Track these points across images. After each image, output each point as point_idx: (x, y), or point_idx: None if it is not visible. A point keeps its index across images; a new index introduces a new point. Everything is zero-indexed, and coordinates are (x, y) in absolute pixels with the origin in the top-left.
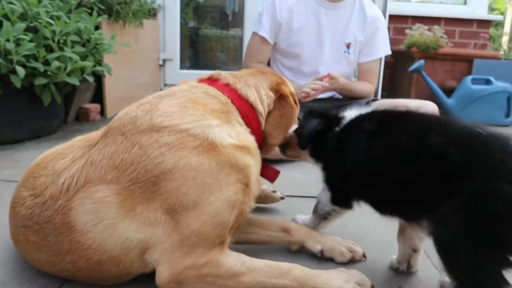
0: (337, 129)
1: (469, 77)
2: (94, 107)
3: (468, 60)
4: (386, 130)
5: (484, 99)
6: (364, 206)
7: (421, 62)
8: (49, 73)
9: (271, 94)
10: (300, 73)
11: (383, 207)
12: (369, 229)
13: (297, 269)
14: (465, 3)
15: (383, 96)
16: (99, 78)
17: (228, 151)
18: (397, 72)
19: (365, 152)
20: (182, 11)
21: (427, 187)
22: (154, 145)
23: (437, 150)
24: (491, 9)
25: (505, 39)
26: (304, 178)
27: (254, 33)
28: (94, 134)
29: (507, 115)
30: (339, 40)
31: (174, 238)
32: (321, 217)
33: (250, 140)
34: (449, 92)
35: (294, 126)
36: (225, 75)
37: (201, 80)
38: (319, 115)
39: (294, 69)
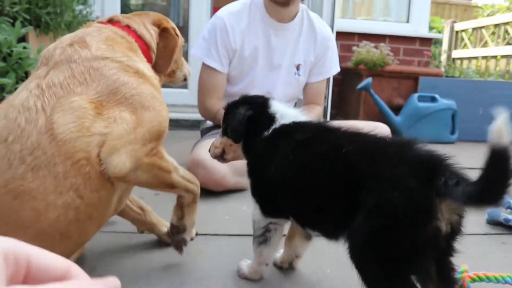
0: (267, 131)
1: (416, 95)
2: None
3: (414, 78)
4: (312, 141)
5: (430, 116)
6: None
7: (369, 79)
8: None
9: (155, 29)
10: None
11: (303, 221)
12: (325, 273)
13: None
14: (407, 21)
15: (332, 114)
16: None
17: (153, 81)
18: (345, 89)
19: (291, 161)
20: None
21: (340, 200)
22: (105, 68)
23: (347, 160)
24: (430, 28)
25: (444, 57)
26: (251, 211)
27: (205, 65)
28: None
29: (452, 132)
30: (289, 62)
31: (138, 131)
32: (260, 241)
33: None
34: (396, 109)
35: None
36: (121, 18)
37: (102, 22)
38: (245, 101)
39: (243, 93)
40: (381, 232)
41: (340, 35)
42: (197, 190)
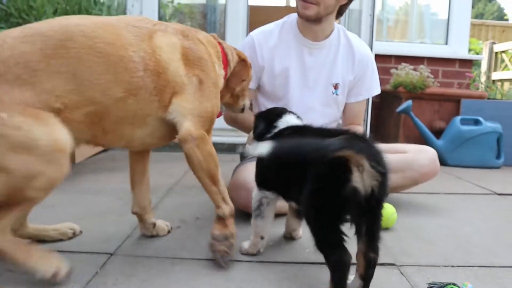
0: (271, 133)
1: (458, 118)
2: None
3: (456, 100)
4: (290, 135)
5: (474, 140)
6: None
7: (409, 102)
8: None
9: (236, 57)
10: None
11: (281, 192)
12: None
13: None
14: (446, 43)
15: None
16: None
17: (220, 78)
18: (383, 113)
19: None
20: None
21: (299, 174)
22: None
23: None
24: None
25: (483, 79)
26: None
27: None
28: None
29: (498, 157)
30: (326, 81)
31: (203, 105)
32: (256, 215)
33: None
34: (437, 133)
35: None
36: (217, 37)
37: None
38: (266, 113)
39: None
40: (315, 194)
41: (377, 58)
42: (233, 206)
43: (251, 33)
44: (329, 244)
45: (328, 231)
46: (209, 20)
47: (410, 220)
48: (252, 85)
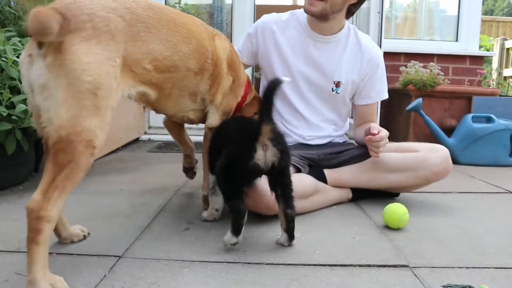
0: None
1: (470, 115)
2: None
3: (467, 98)
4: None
5: (486, 138)
6: None
7: (419, 100)
8: (13, 117)
9: (254, 91)
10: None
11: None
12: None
13: None
14: (456, 39)
15: None
16: None
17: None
18: (393, 111)
19: (212, 139)
20: None
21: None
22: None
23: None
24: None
25: (495, 75)
26: (306, 239)
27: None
28: None
29: (511, 155)
30: (327, 77)
31: (227, 100)
32: (212, 192)
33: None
34: (448, 131)
35: None
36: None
37: None
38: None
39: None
40: (225, 166)
41: (385, 55)
42: None
43: (263, 16)
44: (232, 198)
45: (234, 191)
46: (216, 20)
47: (422, 220)
48: (243, 57)
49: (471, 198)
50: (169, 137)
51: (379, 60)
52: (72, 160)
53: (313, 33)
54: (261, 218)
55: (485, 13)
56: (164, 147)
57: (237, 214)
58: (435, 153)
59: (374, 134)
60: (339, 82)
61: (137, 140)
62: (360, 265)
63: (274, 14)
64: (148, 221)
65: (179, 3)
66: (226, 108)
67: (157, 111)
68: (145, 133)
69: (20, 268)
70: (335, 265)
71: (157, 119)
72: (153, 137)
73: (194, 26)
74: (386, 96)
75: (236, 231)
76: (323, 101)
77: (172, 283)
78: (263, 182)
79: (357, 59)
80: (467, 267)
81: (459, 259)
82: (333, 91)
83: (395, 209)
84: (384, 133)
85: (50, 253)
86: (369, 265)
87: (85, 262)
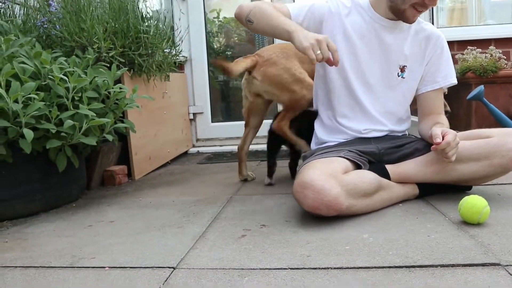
0: None
1: None
2: (120, 169)
3: None
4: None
5: None
6: None
7: (481, 88)
8: (62, 134)
9: None
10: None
11: None
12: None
13: None
14: None
15: None
16: (124, 138)
17: None
18: (451, 103)
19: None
20: (210, 65)
21: None
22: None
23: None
24: None
25: None
26: (374, 239)
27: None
28: None
29: None
30: (393, 62)
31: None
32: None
33: None
34: None
35: None
36: None
37: None
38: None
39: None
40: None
41: None
42: None
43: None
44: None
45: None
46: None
47: (504, 212)
48: (295, 17)
49: None
50: (217, 148)
51: (443, 42)
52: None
53: (377, 17)
54: (321, 219)
55: None
56: (213, 158)
57: (269, 167)
58: (511, 138)
59: (438, 143)
60: (404, 66)
61: (186, 153)
62: (442, 265)
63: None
64: (202, 230)
65: (218, 17)
66: None
67: None
68: (193, 146)
69: (72, 284)
70: (413, 267)
71: (205, 132)
72: (201, 149)
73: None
74: (454, 81)
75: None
76: (387, 88)
77: None
78: (322, 181)
79: (421, 42)
80: None
81: None
82: (398, 76)
83: (474, 202)
84: (451, 136)
85: (102, 267)
86: (452, 265)
87: (139, 275)
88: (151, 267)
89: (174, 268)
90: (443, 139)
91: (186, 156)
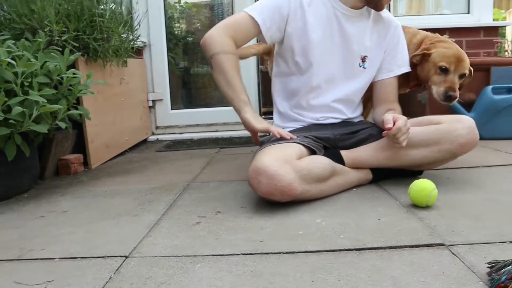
0: None
1: (489, 87)
2: (76, 157)
3: (485, 69)
4: None
5: (509, 109)
6: None
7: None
8: (11, 121)
9: None
10: (306, 85)
11: None
12: None
13: None
14: (468, 11)
15: None
16: (80, 126)
17: None
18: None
19: None
20: (171, 51)
21: None
22: None
23: None
24: None
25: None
26: (327, 224)
27: (244, 12)
28: None
29: None
30: (354, 52)
31: None
32: None
33: None
34: (468, 106)
35: None
36: None
37: None
38: None
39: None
40: None
41: None
42: None
43: None
44: None
45: None
46: (217, 12)
47: (452, 196)
48: (261, 22)
49: (500, 171)
50: (177, 136)
51: (400, 31)
52: None
53: (340, 6)
54: (276, 205)
55: None
56: (172, 146)
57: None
58: (460, 124)
59: (389, 129)
60: (365, 56)
61: (145, 141)
62: (390, 247)
63: None
64: (157, 218)
65: (179, 2)
66: None
67: None
68: (153, 133)
69: (20, 277)
70: (363, 249)
71: (164, 119)
72: (161, 137)
73: None
74: (408, 69)
75: None
76: (348, 78)
77: (185, 281)
78: (276, 167)
79: (380, 31)
80: (510, 241)
81: (499, 233)
82: (360, 66)
83: (423, 185)
84: (401, 121)
85: (52, 258)
86: (400, 246)
87: (90, 265)
88: (103, 257)
89: (126, 257)
90: (394, 124)
91: (145, 144)
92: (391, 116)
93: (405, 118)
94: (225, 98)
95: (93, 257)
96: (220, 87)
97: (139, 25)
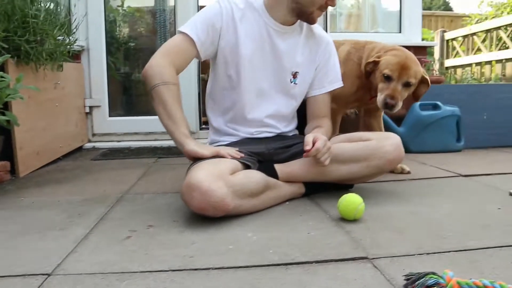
0: None
1: (417, 103)
2: (1, 164)
3: None
4: None
5: (434, 124)
6: None
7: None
8: None
9: None
10: (239, 100)
11: None
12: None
13: None
14: (400, 31)
15: None
16: (8, 131)
17: None
18: None
19: None
20: (112, 55)
21: None
22: None
23: None
24: None
25: (437, 66)
26: (258, 238)
27: (179, 32)
28: None
29: (458, 140)
30: (286, 68)
31: None
32: None
33: None
34: (398, 120)
35: None
36: None
37: None
38: None
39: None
40: None
41: None
42: None
43: (219, 0)
44: None
45: None
46: (159, 20)
47: (379, 209)
48: (196, 39)
49: (425, 184)
50: (114, 144)
51: (332, 47)
52: None
53: (272, 22)
54: (208, 219)
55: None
56: (109, 154)
57: None
58: (387, 141)
59: (308, 150)
60: (296, 72)
61: (80, 148)
62: (316, 261)
63: (231, 0)
64: (86, 232)
65: (122, 6)
66: None
67: None
68: (89, 141)
69: None
70: (290, 264)
71: (102, 126)
72: (97, 144)
73: None
74: (340, 84)
75: None
76: (280, 93)
77: None
78: (209, 182)
79: (312, 47)
80: (427, 253)
81: (418, 245)
82: (291, 82)
83: (350, 200)
84: (320, 142)
85: None
86: (326, 261)
87: (7, 285)
88: (23, 275)
89: (48, 275)
90: (314, 145)
91: (81, 151)
92: (312, 137)
93: (324, 138)
94: (166, 130)
95: (12, 276)
96: (160, 119)
97: (77, 28)
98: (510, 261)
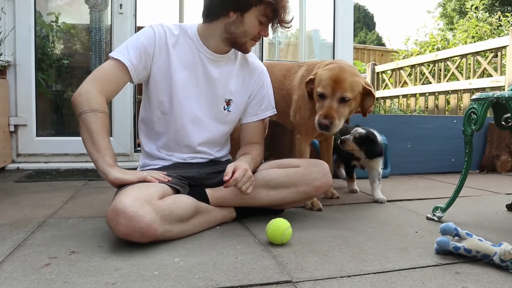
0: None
1: None
2: None
3: None
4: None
5: None
6: None
7: None
8: None
9: None
10: (171, 126)
11: None
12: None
13: None
14: None
15: (266, 156)
16: None
17: None
18: (277, 130)
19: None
20: (43, 72)
21: None
22: None
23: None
24: None
25: None
26: (185, 263)
27: (110, 58)
28: None
29: (385, 167)
30: (219, 96)
31: None
32: None
33: None
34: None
35: None
36: None
37: None
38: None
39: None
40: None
41: None
42: None
43: (156, 26)
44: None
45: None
46: (94, 39)
47: (306, 234)
48: (128, 64)
49: (352, 209)
50: (41, 165)
51: (266, 76)
52: None
53: (205, 50)
54: (135, 244)
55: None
56: (35, 176)
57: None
58: (315, 168)
59: (227, 180)
60: (230, 100)
61: (2, 169)
62: (241, 286)
63: (164, 25)
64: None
65: (57, 22)
66: None
67: None
68: (13, 161)
69: None
70: (248, 286)
71: (28, 146)
72: (22, 165)
73: None
74: (273, 112)
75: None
76: (214, 120)
77: None
78: (136, 207)
79: (246, 76)
80: (348, 276)
81: (340, 268)
82: (224, 109)
83: (277, 224)
84: (239, 172)
85: None
86: (250, 285)
87: None
88: None
89: None
90: (233, 175)
91: (3, 173)
92: (232, 166)
93: (244, 167)
94: (90, 158)
95: None
96: (85, 146)
97: (2, 43)
98: (422, 281)
